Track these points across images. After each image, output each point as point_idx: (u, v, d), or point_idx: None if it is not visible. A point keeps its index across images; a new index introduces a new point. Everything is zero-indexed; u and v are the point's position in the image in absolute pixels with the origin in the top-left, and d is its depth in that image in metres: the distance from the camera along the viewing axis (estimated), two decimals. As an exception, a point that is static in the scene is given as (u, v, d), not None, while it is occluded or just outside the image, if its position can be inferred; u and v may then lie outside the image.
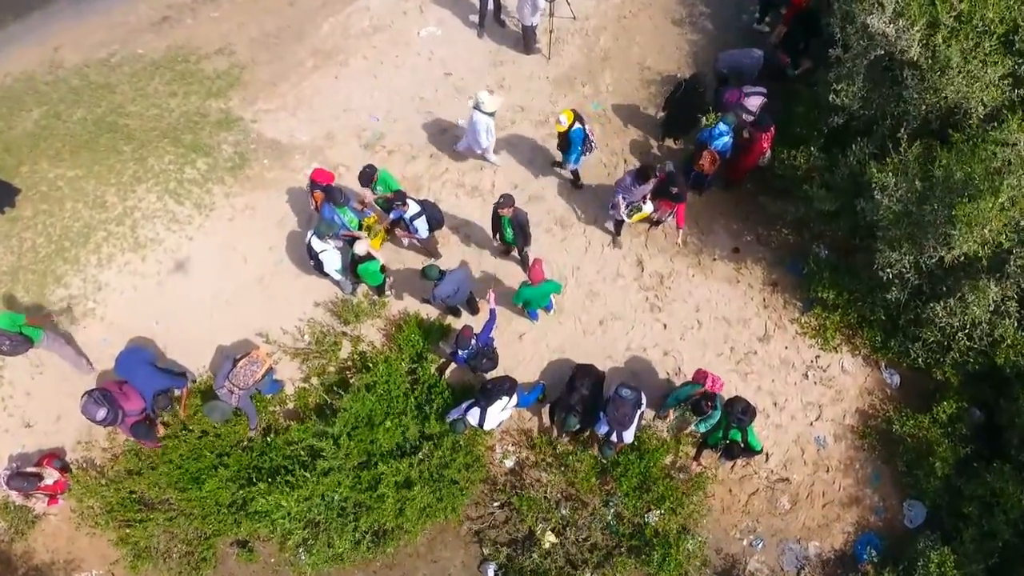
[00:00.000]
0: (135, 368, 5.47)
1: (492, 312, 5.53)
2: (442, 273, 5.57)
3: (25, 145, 7.28)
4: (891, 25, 5.09)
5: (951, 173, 4.66)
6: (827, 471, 6.02)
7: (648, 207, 6.33)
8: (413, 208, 5.66)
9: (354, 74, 7.69)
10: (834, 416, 6.15)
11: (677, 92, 7.02)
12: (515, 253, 6.43)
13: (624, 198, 6.14)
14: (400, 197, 5.60)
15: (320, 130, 7.40)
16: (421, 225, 5.77)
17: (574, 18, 7.86)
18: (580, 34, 7.93)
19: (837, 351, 6.34)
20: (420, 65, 7.73)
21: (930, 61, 5.09)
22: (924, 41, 5.10)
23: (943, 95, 5.05)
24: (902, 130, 5.41)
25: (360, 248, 5.58)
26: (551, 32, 7.50)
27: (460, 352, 5.42)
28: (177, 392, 5.70)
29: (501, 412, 5.28)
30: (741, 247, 6.92)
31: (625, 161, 7.33)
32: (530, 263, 5.70)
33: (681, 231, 6.45)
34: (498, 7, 7.72)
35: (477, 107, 6.26)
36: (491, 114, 6.32)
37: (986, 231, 4.50)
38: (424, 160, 7.22)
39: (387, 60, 7.76)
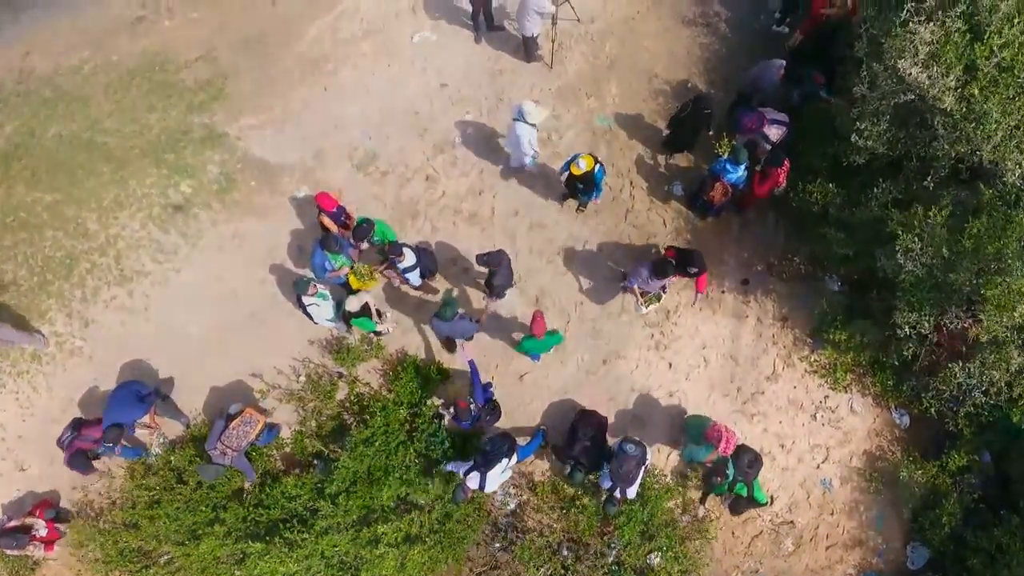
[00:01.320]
0: (117, 399, 5.41)
1: (471, 365, 5.34)
2: (457, 314, 5.32)
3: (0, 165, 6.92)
4: (924, 71, 4.68)
5: (982, 244, 4.36)
6: (832, 513, 5.96)
7: (665, 295, 6.10)
8: (409, 259, 5.37)
9: (344, 86, 7.20)
10: (841, 458, 6.05)
11: (683, 112, 6.60)
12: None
13: (639, 286, 5.80)
14: (396, 249, 5.30)
15: (309, 148, 6.98)
16: (414, 277, 5.51)
17: (578, 20, 7.32)
18: (585, 39, 7.40)
19: (847, 391, 6.19)
20: (414, 75, 7.23)
21: (964, 111, 4.70)
22: (960, 90, 4.69)
23: (978, 150, 4.69)
24: (929, 177, 5.07)
25: (352, 305, 5.34)
26: (553, 41, 6.98)
27: (464, 422, 5.29)
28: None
29: (502, 474, 5.16)
30: (751, 278, 6.65)
31: (632, 183, 6.96)
32: (532, 316, 5.46)
33: (699, 295, 6.09)
34: (489, 18, 7.16)
35: (520, 118, 5.92)
36: (534, 125, 5.98)
37: (1016, 313, 4.24)
38: (419, 183, 6.85)
39: (379, 70, 7.25)
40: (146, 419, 5.63)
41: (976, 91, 4.57)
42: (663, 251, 5.88)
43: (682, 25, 7.55)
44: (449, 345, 6.16)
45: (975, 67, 4.64)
